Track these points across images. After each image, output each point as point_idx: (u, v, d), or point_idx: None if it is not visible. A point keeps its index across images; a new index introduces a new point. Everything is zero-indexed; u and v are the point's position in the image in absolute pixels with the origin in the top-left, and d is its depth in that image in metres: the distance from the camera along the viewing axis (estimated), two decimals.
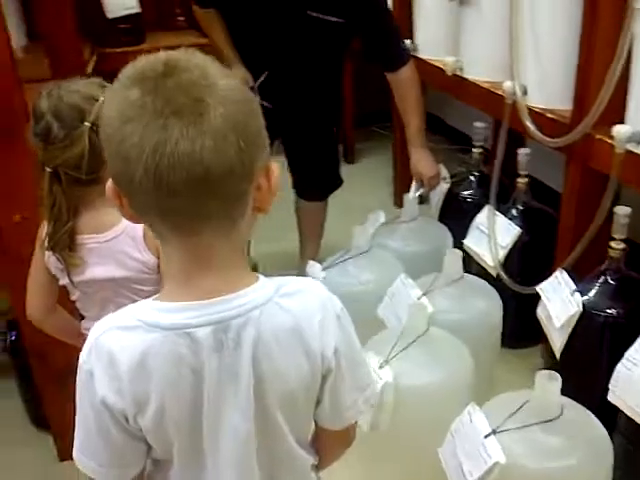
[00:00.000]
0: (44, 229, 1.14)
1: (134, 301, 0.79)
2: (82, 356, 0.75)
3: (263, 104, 2.15)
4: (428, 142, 3.47)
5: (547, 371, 1.20)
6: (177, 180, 0.65)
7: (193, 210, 0.68)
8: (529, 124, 1.75)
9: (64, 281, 1.18)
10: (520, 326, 1.92)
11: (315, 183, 2.31)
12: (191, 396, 0.74)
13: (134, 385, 0.73)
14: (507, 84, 1.84)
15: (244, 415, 0.76)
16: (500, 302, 1.68)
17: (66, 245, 1.11)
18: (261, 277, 0.78)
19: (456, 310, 1.62)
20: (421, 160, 2.06)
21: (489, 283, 1.80)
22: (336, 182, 2.34)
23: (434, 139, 3.55)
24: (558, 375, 1.19)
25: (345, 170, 3.51)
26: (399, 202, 2.90)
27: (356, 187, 3.20)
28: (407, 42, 2.49)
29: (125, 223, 1.10)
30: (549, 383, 1.18)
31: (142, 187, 0.67)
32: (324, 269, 1.79)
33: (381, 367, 1.40)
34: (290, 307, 0.76)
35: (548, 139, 1.69)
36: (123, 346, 0.73)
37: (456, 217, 2.15)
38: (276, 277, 0.81)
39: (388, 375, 1.37)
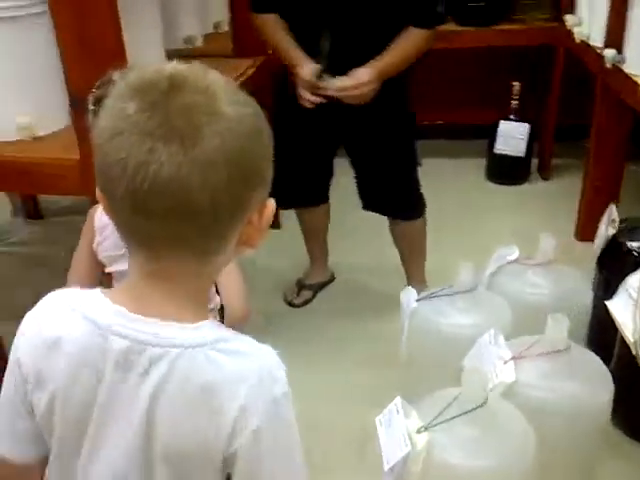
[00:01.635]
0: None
1: None
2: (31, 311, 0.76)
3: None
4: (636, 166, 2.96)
5: None
6: (156, 207, 0.61)
7: (167, 239, 0.65)
8: None
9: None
10: None
11: (382, 199, 2.09)
12: (84, 396, 0.70)
13: (43, 359, 0.71)
14: None
15: (125, 450, 0.70)
16: (611, 388, 1.36)
17: None
18: (209, 322, 0.70)
19: (545, 387, 1.33)
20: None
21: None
22: (406, 203, 2.09)
23: None
24: None
25: (536, 187, 3.19)
26: (582, 234, 2.54)
27: (539, 208, 2.86)
28: (611, 52, 2.13)
29: None
30: None
31: (121, 206, 0.64)
32: (418, 300, 1.60)
33: (419, 432, 1.21)
34: (218, 362, 0.67)
35: None
36: (52, 318, 0.72)
37: (615, 271, 1.79)
38: (231, 330, 0.72)
39: (420, 443, 1.18)
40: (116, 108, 0.63)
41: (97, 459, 0.71)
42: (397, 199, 2.09)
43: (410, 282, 2.18)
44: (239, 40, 2.47)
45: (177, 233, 0.64)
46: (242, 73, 2.28)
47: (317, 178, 2.16)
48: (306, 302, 2.34)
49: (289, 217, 2.79)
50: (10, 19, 1.40)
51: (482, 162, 3.19)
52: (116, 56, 1.38)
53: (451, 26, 2.90)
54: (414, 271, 2.20)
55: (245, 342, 0.71)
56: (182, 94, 0.61)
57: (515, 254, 1.73)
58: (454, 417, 1.20)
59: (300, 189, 2.15)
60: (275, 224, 2.78)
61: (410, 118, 2.01)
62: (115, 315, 0.68)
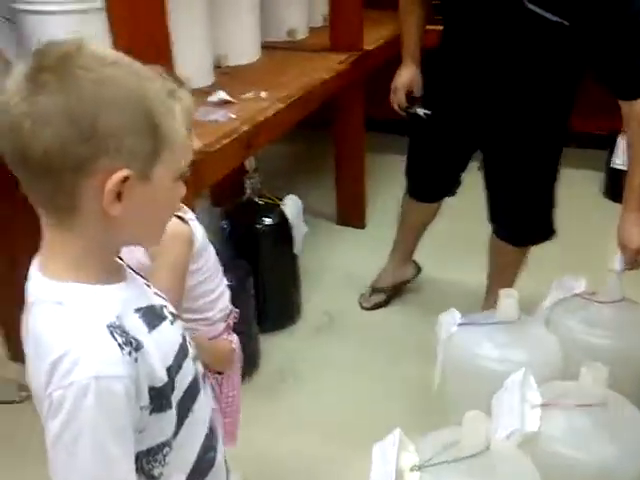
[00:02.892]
0: None
1: None
2: None
3: (419, 113, 1.75)
4: None
5: None
6: (3, 148, 0.66)
7: (25, 187, 0.69)
8: None
9: None
10: None
11: (511, 223, 1.91)
12: None
13: None
14: None
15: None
16: None
17: None
18: (71, 284, 0.71)
19: (570, 442, 1.19)
20: (629, 225, 1.52)
21: None
22: (540, 231, 1.88)
23: None
24: None
25: None
26: None
27: None
28: None
29: None
30: None
31: None
32: (460, 324, 1.49)
33: (412, 470, 1.13)
34: (49, 321, 0.70)
35: None
36: None
37: None
38: (86, 291, 0.72)
39: None
40: None
41: None
42: (530, 219, 1.88)
43: (488, 301, 2.04)
44: (336, 35, 2.43)
45: (26, 180, 0.68)
46: (331, 68, 2.23)
47: (452, 173, 2.03)
48: (377, 306, 2.28)
49: (371, 218, 2.74)
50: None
51: (601, 175, 2.92)
52: (161, 55, 1.40)
53: None
54: (496, 290, 2.05)
55: (81, 319, 0.70)
56: (50, 56, 0.65)
57: (580, 286, 1.55)
58: (452, 461, 1.11)
59: (434, 183, 2.07)
60: (360, 224, 2.73)
61: (566, 129, 1.79)
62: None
